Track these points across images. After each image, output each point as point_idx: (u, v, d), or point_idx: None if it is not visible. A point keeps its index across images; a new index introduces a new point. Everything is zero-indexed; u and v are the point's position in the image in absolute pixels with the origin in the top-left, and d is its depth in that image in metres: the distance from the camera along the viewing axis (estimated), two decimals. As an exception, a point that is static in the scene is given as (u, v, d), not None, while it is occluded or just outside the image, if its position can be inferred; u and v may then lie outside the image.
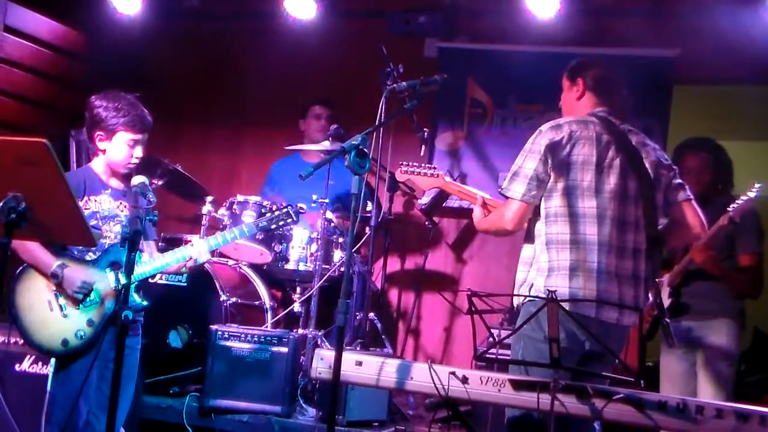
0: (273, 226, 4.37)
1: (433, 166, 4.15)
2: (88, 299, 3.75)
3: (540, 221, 3.59)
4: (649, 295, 3.62)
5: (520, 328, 3.31)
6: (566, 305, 3.23)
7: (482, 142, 6.59)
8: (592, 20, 6.31)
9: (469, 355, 5.79)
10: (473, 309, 3.33)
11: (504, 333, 4.11)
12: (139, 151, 3.89)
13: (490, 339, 3.66)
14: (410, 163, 4.09)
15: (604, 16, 6.37)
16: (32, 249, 3.74)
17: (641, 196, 3.61)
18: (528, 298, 3.48)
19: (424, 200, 5.89)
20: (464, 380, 3.20)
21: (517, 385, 3.14)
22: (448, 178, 4.11)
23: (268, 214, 4.37)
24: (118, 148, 3.87)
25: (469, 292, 3.37)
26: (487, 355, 3.25)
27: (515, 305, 3.61)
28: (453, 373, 3.22)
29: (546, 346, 3.19)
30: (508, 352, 3.56)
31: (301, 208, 4.67)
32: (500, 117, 6.53)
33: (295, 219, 4.40)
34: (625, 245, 3.56)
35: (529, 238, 3.64)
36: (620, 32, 6.23)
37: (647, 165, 3.64)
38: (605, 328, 3.45)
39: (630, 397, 3.04)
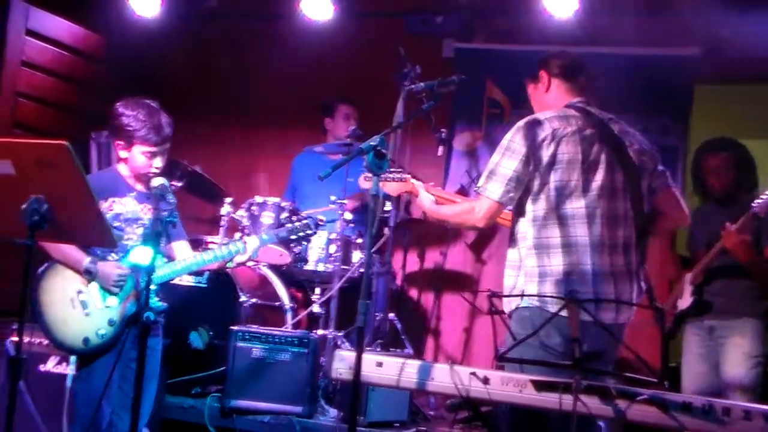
0: (293, 237, 4.36)
1: (399, 169, 4.09)
2: (122, 292, 3.77)
3: (525, 223, 3.48)
4: (641, 283, 3.52)
5: (538, 331, 3.24)
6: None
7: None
8: (611, 19, 6.26)
9: (490, 355, 5.80)
10: (493, 309, 3.31)
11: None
12: (158, 162, 3.90)
13: (511, 339, 3.63)
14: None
15: (622, 15, 6.32)
16: (63, 246, 3.76)
17: (628, 188, 3.49)
18: (529, 301, 3.38)
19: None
20: (485, 381, 3.17)
21: (539, 386, 3.11)
22: (415, 181, 4.00)
23: (288, 225, 4.37)
24: (136, 158, 3.89)
25: (489, 293, 3.35)
26: (508, 356, 3.23)
27: (508, 310, 3.52)
28: (474, 374, 3.19)
29: (542, 351, 3.19)
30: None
31: (321, 220, 4.68)
32: (518, 117, 6.41)
33: (314, 231, 4.40)
34: (616, 241, 3.46)
35: (512, 241, 3.54)
36: (640, 31, 6.18)
37: (631, 154, 3.53)
38: (608, 328, 3.37)
39: (654, 398, 2.99)
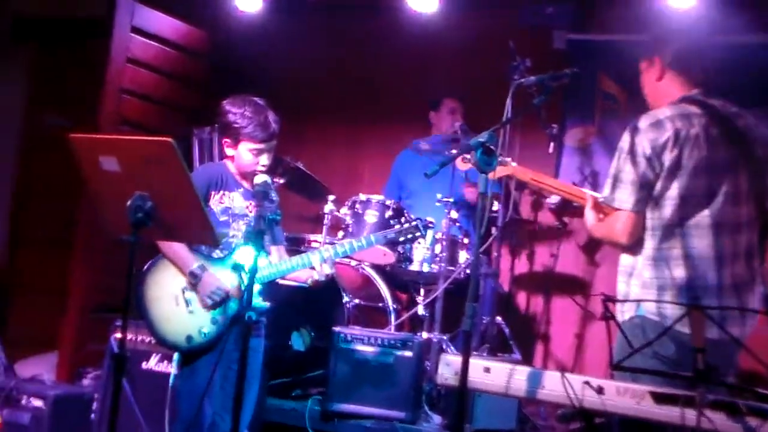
0: (401, 239, 4.34)
1: (500, 153, 3.96)
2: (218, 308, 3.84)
3: (643, 232, 3.35)
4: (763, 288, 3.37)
5: (655, 340, 3.14)
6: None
7: (615, 137, 6.30)
8: (733, 7, 6.04)
9: (603, 363, 5.67)
10: (608, 314, 3.22)
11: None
12: (264, 159, 3.96)
13: (623, 347, 3.53)
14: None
15: (748, 4, 6.09)
16: (174, 244, 3.85)
17: (753, 189, 3.34)
18: (645, 311, 3.28)
19: (554, 199, 5.78)
20: (600, 390, 3.10)
21: (658, 398, 3.01)
22: (589, 191, 3.76)
23: (397, 227, 4.36)
24: (243, 156, 3.96)
25: (602, 297, 3.26)
26: (625, 364, 3.14)
27: (621, 319, 3.38)
28: (587, 383, 3.12)
29: (655, 361, 3.11)
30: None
31: (431, 222, 4.66)
32: (634, 111, 6.27)
33: (423, 233, 4.36)
34: (738, 249, 3.32)
35: (627, 246, 3.41)
36: (763, 19, 5.95)
37: (758, 150, 3.37)
38: (714, 344, 3.18)
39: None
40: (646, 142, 3.29)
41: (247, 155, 3.94)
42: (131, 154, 3.25)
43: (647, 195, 3.31)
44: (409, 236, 4.33)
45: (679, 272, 3.29)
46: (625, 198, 3.32)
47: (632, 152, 3.32)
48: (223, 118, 3.96)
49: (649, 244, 3.34)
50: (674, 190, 3.30)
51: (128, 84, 6.30)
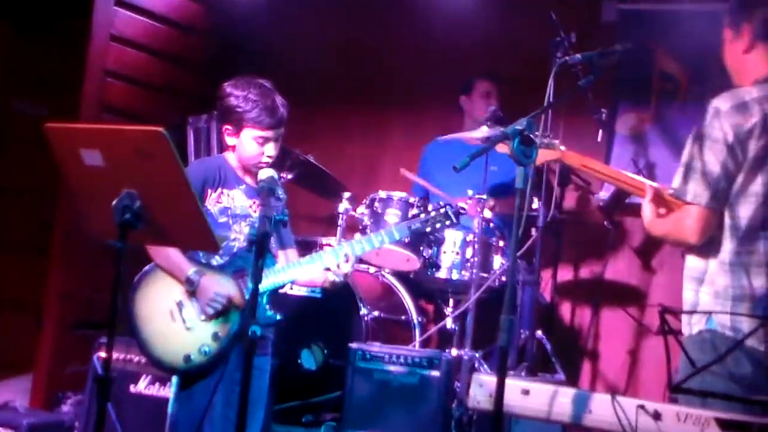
0: (428, 229, 4.29)
1: (547, 134, 3.90)
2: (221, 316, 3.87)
3: (719, 231, 3.33)
4: None
5: (724, 357, 3.15)
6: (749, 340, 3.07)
7: (674, 124, 6.41)
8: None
9: (661, 385, 5.67)
10: (666, 328, 3.23)
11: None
12: (270, 149, 3.99)
13: (688, 366, 3.53)
14: None
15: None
16: (167, 249, 3.89)
17: None
18: (717, 323, 3.27)
19: (603, 195, 5.78)
20: (656, 416, 3.10)
21: (726, 426, 3.01)
22: (648, 182, 3.73)
23: (422, 215, 4.31)
24: (246, 145, 3.99)
25: (660, 308, 3.27)
26: (686, 386, 3.14)
27: (687, 332, 3.39)
28: (642, 407, 3.13)
29: (729, 384, 3.09)
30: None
31: (462, 208, 4.63)
32: (697, 93, 6.32)
33: (454, 220, 4.32)
34: None
35: (697, 247, 3.40)
36: None
37: None
38: None
39: None
40: (728, 127, 3.27)
41: (250, 144, 3.97)
42: (117, 146, 3.26)
43: (726, 189, 3.29)
44: (438, 225, 4.27)
45: (760, 282, 3.29)
46: (700, 191, 3.31)
47: (711, 137, 3.29)
48: (224, 102, 4.00)
49: (727, 246, 3.33)
50: (758, 186, 3.29)
51: (113, 65, 6.30)
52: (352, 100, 7.31)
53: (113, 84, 6.33)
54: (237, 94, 3.96)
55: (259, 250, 3.38)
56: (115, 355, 4.69)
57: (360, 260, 5.70)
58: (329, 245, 5.63)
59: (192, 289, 3.86)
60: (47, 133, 3.33)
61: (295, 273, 3.98)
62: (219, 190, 3.98)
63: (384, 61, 7.16)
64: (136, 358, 4.83)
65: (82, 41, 6.12)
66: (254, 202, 4.01)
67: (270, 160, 3.98)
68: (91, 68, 6.15)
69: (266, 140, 3.97)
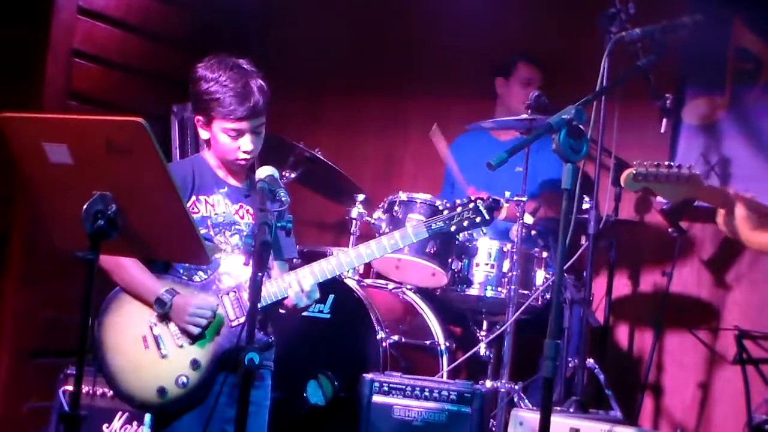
0: (453, 229, 4.07)
1: (677, 164, 3.74)
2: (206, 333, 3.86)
3: None
4: None
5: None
6: None
7: (755, 112, 6.40)
8: None
9: (739, 424, 5.65)
10: (745, 356, 3.24)
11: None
12: (246, 143, 3.96)
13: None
14: (643, 163, 3.73)
15: None
16: (130, 268, 3.88)
17: None
18: None
19: (667, 196, 5.78)
20: (732, 460, 3.12)
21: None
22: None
23: (446, 212, 4.08)
24: (219, 138, 3.98)
25: (737, 331, 3.28)
26: None
27: None
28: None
29: None
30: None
31: (497, 200, 4.40)
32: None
33: (487, 218, 4.06)
34: None
35: None
36: None
37: None
38: None
39: None
40: None
41: (223, 138, 3.96)
42: (87, 140, 3.26)
43: None
44: (465, 223, 4.04)
45: None
46: None
47: None
48: (194, 87, 3.99)
49: None
50: None
51: (81, 43, 6.31)
52: (366, 86, 7.32)
53: (82, 66, 6.33)
54: (208, 77, 3.94)
55: (258, 262, 3.38)
56: (84, 389, 4.70)
57: (377, 275, 5.73)
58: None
59: (164, 312, 3.84)
60: (3, 125, 3.32)
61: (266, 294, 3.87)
62: (193, 198, 3.96)
63: (404, 45, 7.17)
64: (110, 392, 4.85)
65: (44, 15, 6.10)
66: (241, 206, 4.02)
67: (248, 156, 3.97)
68: (56, 47, 6.14)
69: (240, 133, 3.94)
